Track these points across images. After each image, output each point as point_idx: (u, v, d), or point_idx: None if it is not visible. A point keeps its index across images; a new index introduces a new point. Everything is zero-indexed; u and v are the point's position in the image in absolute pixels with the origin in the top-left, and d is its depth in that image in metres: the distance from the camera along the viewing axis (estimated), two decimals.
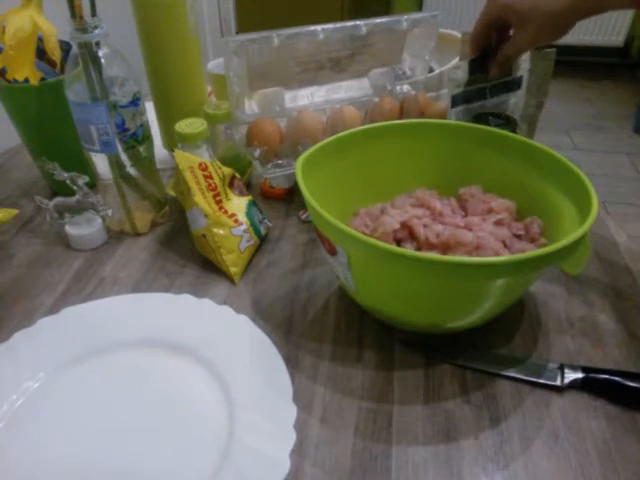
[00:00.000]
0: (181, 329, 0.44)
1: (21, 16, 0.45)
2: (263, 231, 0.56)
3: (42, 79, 0.55)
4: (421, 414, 0.39)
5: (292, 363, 0.42)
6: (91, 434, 0.37)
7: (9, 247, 0.57)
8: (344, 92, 0.67)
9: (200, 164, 0.51)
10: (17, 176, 0.71)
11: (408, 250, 0.36)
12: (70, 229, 0.56)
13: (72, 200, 0.55)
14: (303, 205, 0.62)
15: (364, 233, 0.44)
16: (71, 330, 0.44)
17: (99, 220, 0.57)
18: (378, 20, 0.62)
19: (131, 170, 0.54)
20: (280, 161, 0.59)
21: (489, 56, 0.57)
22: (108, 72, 0.48)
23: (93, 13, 0.46)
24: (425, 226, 0.44)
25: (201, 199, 0.50)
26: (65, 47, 0.60)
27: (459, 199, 0.50)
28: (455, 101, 0.59)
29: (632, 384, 0.39)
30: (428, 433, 0.37)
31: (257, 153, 0.58)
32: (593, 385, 0.40)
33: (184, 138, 0.54)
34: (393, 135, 0.51)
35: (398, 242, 0.44)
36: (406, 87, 0.69)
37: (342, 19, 0.61)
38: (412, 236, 0.44)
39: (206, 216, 0.50)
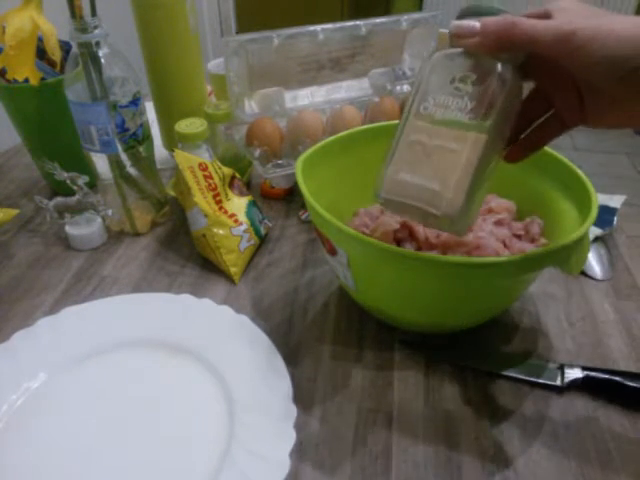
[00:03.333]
0: (181, 329, 0.44)
1: (21, 16, 0.45)
2: (263, 231, 0.56)
3: (42, 79, 0.54)
4: (421, 414, 0.39)
5: (292, 363, 0.42)
6: (91, 434, 0.37)
7: (9, 247, 0.57)
8: (344, 92, 0.67)
9: (200, 164, 0.51)
10: (17, 176, 0.71)
11: (408, 250, 0.36)
12: (70, 229, 0.56)
13: (72, 200, 0.55)
14: (303, 205, 0.62)
15: (364, 233, 0.44)
16: (71, 330, 0.44)
17: (99, 220, 0.57)
18: (378, 20, 0.62)
19: (131, 170, 0.54)
20: (280, 161, 0.59)
21: None
22: (108, 72, 0.48)
23: (93, 13, 0.46)
24: None
25: (201, 199, 0.50)
26: (65, 47, 0.60)
27: None
28: None
29: (632, 384, 0.39)
30: (428, 433, 0.37)
31: (257, 153, 0.58)
32: (593, 385, 0.40)
33: (184, 138, 0.54)
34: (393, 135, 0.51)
35: (398, 242, 0.44)
36: (406, 87, 0.69)
37: (342, 19, 0.61)
38: (412, 236, 0.44)
39: (206, 216, 0.50)
